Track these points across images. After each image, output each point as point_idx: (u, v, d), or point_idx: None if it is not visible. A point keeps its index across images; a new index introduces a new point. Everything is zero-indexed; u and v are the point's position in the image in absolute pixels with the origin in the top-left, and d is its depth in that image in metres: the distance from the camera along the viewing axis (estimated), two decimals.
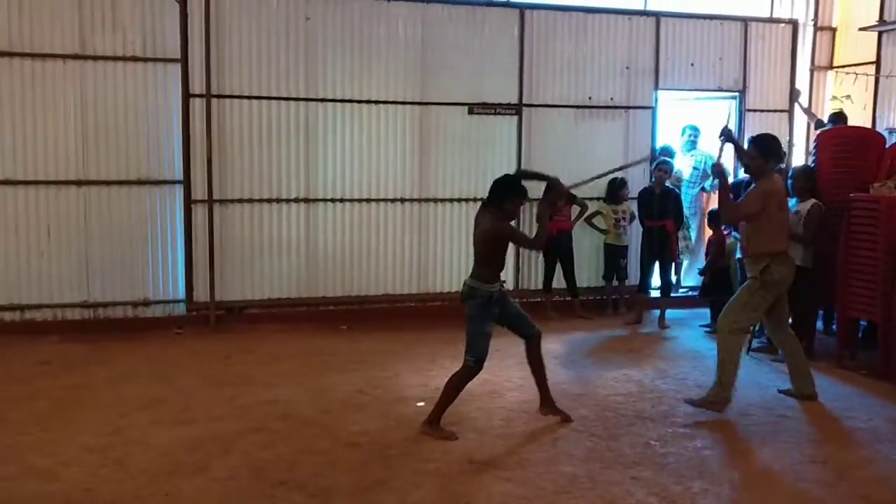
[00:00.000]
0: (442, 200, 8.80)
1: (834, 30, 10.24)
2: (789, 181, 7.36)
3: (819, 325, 7.81)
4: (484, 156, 8.86)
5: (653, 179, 8.69)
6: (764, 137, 5.87)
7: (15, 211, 7.70)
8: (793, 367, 6.02)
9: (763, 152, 5.68)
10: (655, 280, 8.75)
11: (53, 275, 7.85)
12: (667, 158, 8.83)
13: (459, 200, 8.82)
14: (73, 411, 5.54)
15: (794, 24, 9.81)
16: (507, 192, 5.11)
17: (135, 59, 7.85)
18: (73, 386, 6.15)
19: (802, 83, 10.00)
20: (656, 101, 9.41)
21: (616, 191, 8.89)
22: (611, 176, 8.23)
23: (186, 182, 8.02)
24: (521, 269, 9.07)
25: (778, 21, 9.80)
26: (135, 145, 7.93)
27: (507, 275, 8.97)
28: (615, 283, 9.10)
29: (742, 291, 5.79)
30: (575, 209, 8.88)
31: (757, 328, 7.68)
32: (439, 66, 8.65)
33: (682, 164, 9.52)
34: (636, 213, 8.85)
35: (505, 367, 6.77)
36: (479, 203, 8.62)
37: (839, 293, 6.95)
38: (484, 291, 5.11)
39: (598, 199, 9.09)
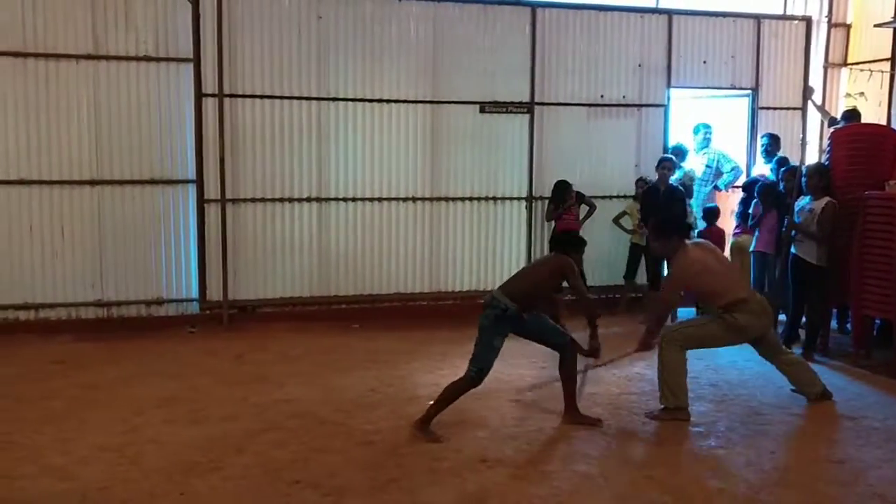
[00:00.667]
0: (453, 199, 8.79)
1: (848, 26, 10.17)
2: (803, 179, 7.33)
3: (833, 323, 7.77)
4: (495, 154, 8.86)
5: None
6: (659, 222, 5.81)
7: (29, 210, 7.74)
8: (803, 382, 5.87)
9: (661, 234, 5.64)
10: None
11: (67, 274, 7.89)
12: (668, 155, 8.79)
13: (471, 199, 8.82)
14: (87, 410, 5.56)
15: (807, 20, 9.76)
16: (574, 244, 5.44)
17: (148, 58, 7.88)
18: (88, 385, 6.17)
19: (816, 80, 9.92)
20: (669, 99, 9.37)
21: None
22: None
23: (199, 181, 8.05)
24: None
25: (791, 18, 9.75)
26: (148, 145, 7.96)
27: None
28: (637, 282, 9.04)
29: (709, 319, 5.63)
30: (583, 209, 8.85)
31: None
32: (451, 65, 8.64)
33: (695, 163, 9.48)
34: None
35: (517, 366, 6.76)
36: (491, 201, 8.83)
37: (854, 291, 6.91)
38: (502, 304, 5.08)
39: (616, 197, 9.07)
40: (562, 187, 8.58)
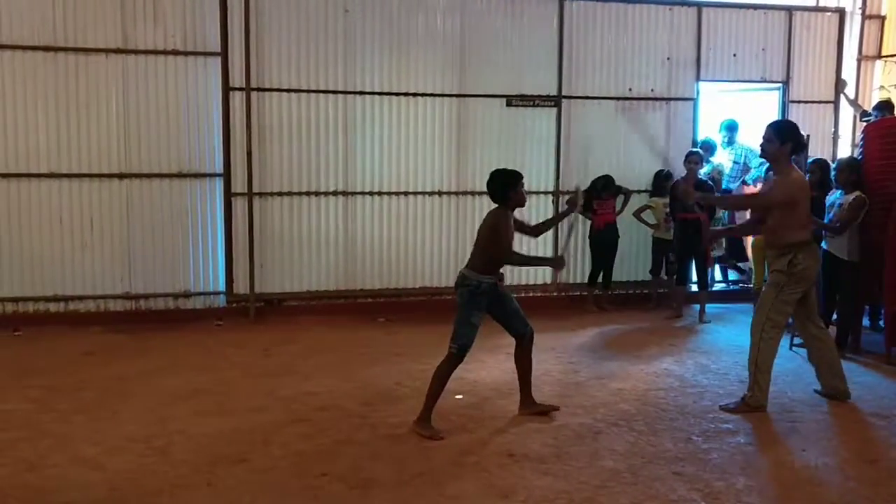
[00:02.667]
0: (480, 193, 8.72)
1: (883, 18, 10.01)
2: (833, 173, 7.23)
3: (865, 320, 7.65)
4: (522, 148, 8.83)
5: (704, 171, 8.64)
6: (782, 121, 5.67)
7: (59, 203, 7.82)
8: (824, 363, 5.73)
9: (780, 136, 5.36)
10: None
11: (96, 266, 7.97)
12: (695, 149, 8.71)
13: None
14: (117, 401, 5.61)
15: (840, 12, 9.62)
16: (502, 184, 5.16)
17: (176, 52, 7.93)
18: (117, 376, 6.23)
19: (849, 73, 9.79)
20: (698, 92, 9.28)
21: (662, 183, 8.79)
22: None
23: (226, 175, 8.09)
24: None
25: (824, 10, 9.62)
26: (176, 138, 8.01)
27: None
28: (664, 277, 8.98)
29: (769, 288, 5.51)
30: (619, 199, 8.79)
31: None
32: (478, 58, 8.61)
33: (723, 159, 9.39)
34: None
35: (542, 360, 6.73)
36: None
37: (887, 287, 6.80)
38: (473, 281, 5.04)
39: (644, 191, 9.01)
40: (601, 183, 8.59)
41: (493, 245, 5.06)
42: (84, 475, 4.37)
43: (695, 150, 8.68)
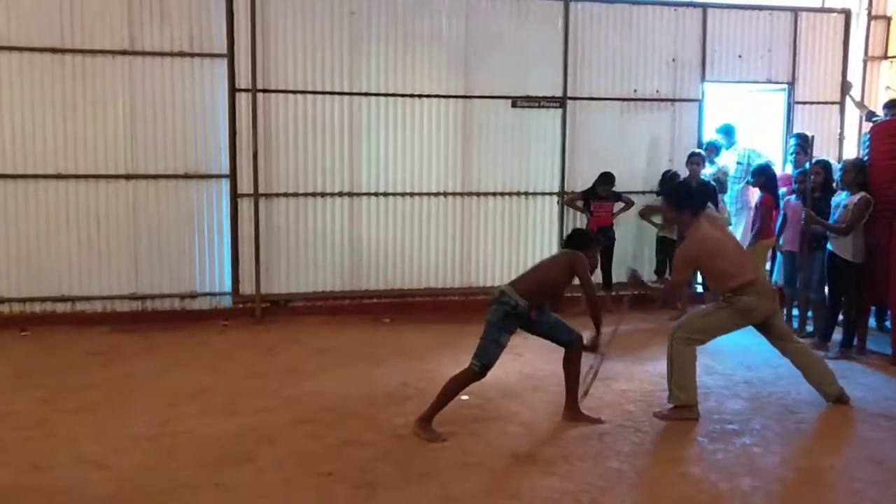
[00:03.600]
0: (485, 194, 8.78)
1: (889, 18, 9.98)
2: (839, 174, 7.22)
3: (872, 321, 7.64)
4: (527, 149, 8.84)
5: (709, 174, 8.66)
6: (674, 190, 5.73)
7: (66, 204, 7.85)
8: (812, 372, 5.63)
9: (676, 204, 5.52)
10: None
11: (103, 267, 8.00)
12: (698, 150, 8.72)
13: (503, 194, 8.80)
14: (123, 401, 5.63)
15: (846, 13, 9.59)
16: (589, 242, 5.30)
17: (182, 54, 7.95)
18: (123, 376, 6.25)
19: (855, 74, 9.77)
20: (703, 93, 9.27)
21: (669, 183, 8.78)
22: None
23: (232, 176, 8.12)
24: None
25: (830, 10, 9.59)
26: (182, 139, 8.04)
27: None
28: (668, 277, 8.95)
29: (714, 306, 5.53)
30: (618, 204, 8.80)
31: (796, 326, 7.61)
32: (483, 60, 8.62)
33: (728, 160, 9.38)
34: None
35: (548, 361, 6.72)
36: (523, 197, 8.82)
37: (892, 288, 6.78)
38: (512, 300, 4.96)
39: (650, 192, 9.00)
40: (601, 178, 8.63)
41: (586, 284, 5.17)
42: (90, 475, 4.39)
43: (697, 150, 8.68)
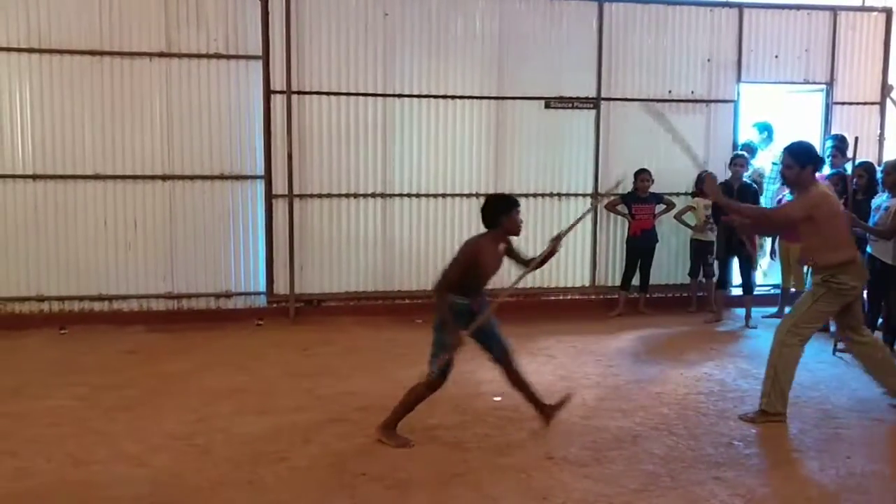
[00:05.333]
0: (518, 195, 8.65)
1: None
2: (880, 176, 7.10)
3: None
4: (561, 150, 8.80)
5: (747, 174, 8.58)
6: (799, 144, 5.48)
7: (104, 204, 7.96)
8: (878, 367, 5.51)
9: (798, 160, 5.29)
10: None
11: (140, 267, 8.09)
12: (741, 152, 8.62)
13: (535, 195, 8.77)
14: (159, 399, 5.70)
15: (887, 12, 9.41)
16: (497, 208, 4.92)
17: (218, 56, 8.03)
18: (160, 375, 6.33)
19: None
20: (738, 94, 9.17)
21: (699, 184, 8.71)
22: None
23: (267, 177, 8.18)
24: (598, 266, 8.96)
25: (870, 9, 9.42)
26: (218, 141, 8.11)
27: (584, 270, 8.92)
28: (702, 280, 8.88)
29: (806, 296, 5.39)
30: (659, 206, 8.75)
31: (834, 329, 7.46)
32: (516, 60, 8.60)
33: (763, 161, 9.27)
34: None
35: (581, 363, 6.72)
36: (556, 198, 8.79)
37: None
38: (454, 303, 4.86)
39: (684, 193, 8.93)
40: (638, 173, 8.61)
41: (452, 269, 4.87)
42: (128, 472, 4.45)
43: (740, 152, 8.59)
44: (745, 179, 8.34)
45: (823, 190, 5.31)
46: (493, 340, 5.03)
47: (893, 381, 5.51)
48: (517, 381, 5.12)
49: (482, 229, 8.67)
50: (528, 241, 8.72)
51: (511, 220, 4.91)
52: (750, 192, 8.24)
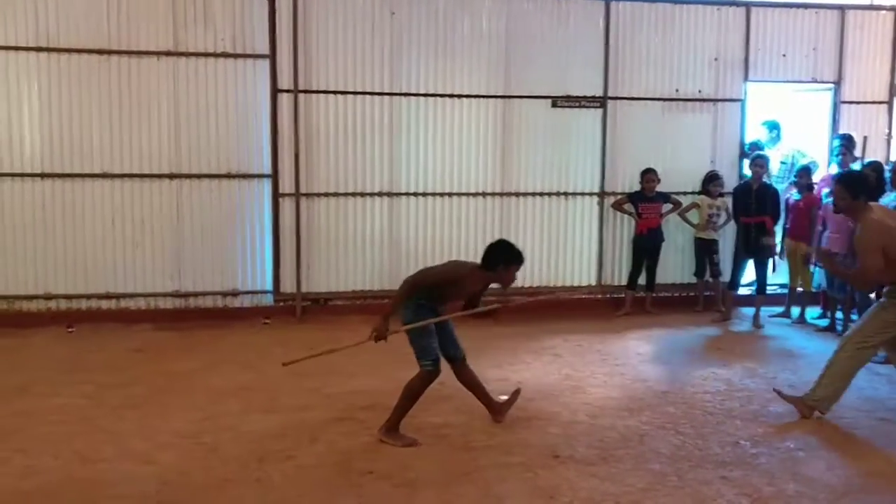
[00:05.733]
0: (524, 194, 8.75)
1: None
2: (888, 175, 7.08)
3: None
4: (567, 149, 8.79)
5: (746, 175, 8.54)
6: (850, 175, 5.51)
7: (112, 203, 7.98)
8: None
9: (851, 191, 5.24)
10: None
11: (147, 265, 8.12)
12: (763, 153, 8.61)
13: (542, 195, 8.76)
14: (166, 397, 5.72)
15: (895, 10, 9.39)
16: (501, 256, 4.93)
17: (225, 55, 8.05)
18: (167, 373, 6.35)
19: None
20: (746, 93, 9.14)
21: (706, 184, 8.71)
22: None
23: (274, 176, 8.19)
24: (604, 265, 8.95)
25: (879, 8, 9.39)
26: (225, 139, 8.13)
27: (590, 269, 8.92)
28: (709, 279, 8.87)
29: (875, 307, 5.36)
30: (666, 206, 8.74)
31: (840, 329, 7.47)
32: (523, 59, 8.60)
33: (772, 160, 9.25)
34: (731, 211, 8.62)
35: (588, 363, 6.72)
36: (563, 197, 8.78)
37: None
38: (418, 304, 4.97)
39: (692, 192, 8.91)
40: (644, 172, 8.59)
41: (432, 277, 5.01)
42: (135, 469, 4.47)
43: (762, 153, 8.57)
44: (765, 181, 8.32)
45: (877, 216, 5.22)
46: (449, 341, 5.13)
47: None
48: (468, 381, 5.24)
49: (489, 228, 8.79)
50: (534, 241, 8.77)
51: (508, 273, 4.94)
52: (769, 194, 8.25)
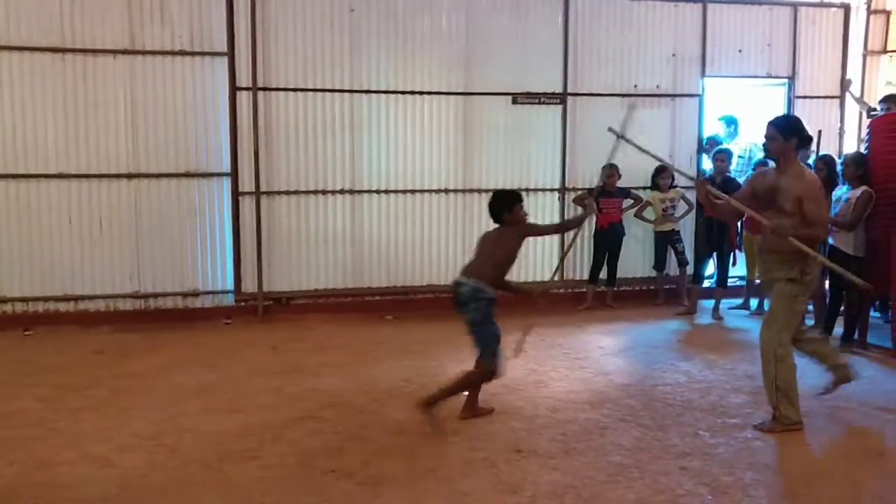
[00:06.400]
0: (486, 191, 8.72)
1: (888, 13, 9.95)
2: (840, 168, 7.23)
3: (876, 314, 7.65)
4: (528, 146, 8.85)
5: (707, 169, 8.66)
6: (784, 117, 5.30)
7: (68, 204, 7.86)
8: (820, 354, 5.40)
9: (783, 132, 5.00)
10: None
11: (106, 266, 8.01)
12: (726, 147, 8.73)
13: None
14: (126, 399, 5.65)
15: (845, 7, 9.59)
16: (502, 204, 5.18)
17: (183, 53, 7.96)
18: (127, 375, 6.27)
19: (855, 68, 9.77)
20: (703, 88, 9.27)
21: (654, 178, 8.83)
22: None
23: (234, 174, 8.13)
24: (565, 260, 9.02)
25: (829, 5, 9.59)
26: (183, 138, 8.05)
27: (552, 265, 8.98)
28: (669, 272, 8.98)
29: (780, 300, 5.02)
30: (628, 200, 8.83)
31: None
32: (483, 56, 8.63)
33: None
34: (692, 201, 8.73)
35: (550, 357, 6.78)
36: (524, 193, 8.77)
37: (894, 282, 6.79)
38: (490, 293, 5.04)
39: (645, 188, 9.02)
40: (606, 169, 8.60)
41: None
42: (95, 472, 4.41)
43: (724, 147, 8.70)
44: (729, 175, 8.44)
45: (813, 173, 5.17)
46: (487, 339, 5.15)
47: (833, 364, 5.45)
48: (466, 377, 5.27)
49: (451, 224, 8.82)
50: None
51: (515, 214, 5.17)
52: (732, 188, 8.33)
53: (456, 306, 5.12)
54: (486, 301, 5.02)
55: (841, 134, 9.64)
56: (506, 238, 5.19)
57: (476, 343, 5.08)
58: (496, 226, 5.28)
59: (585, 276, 9.00)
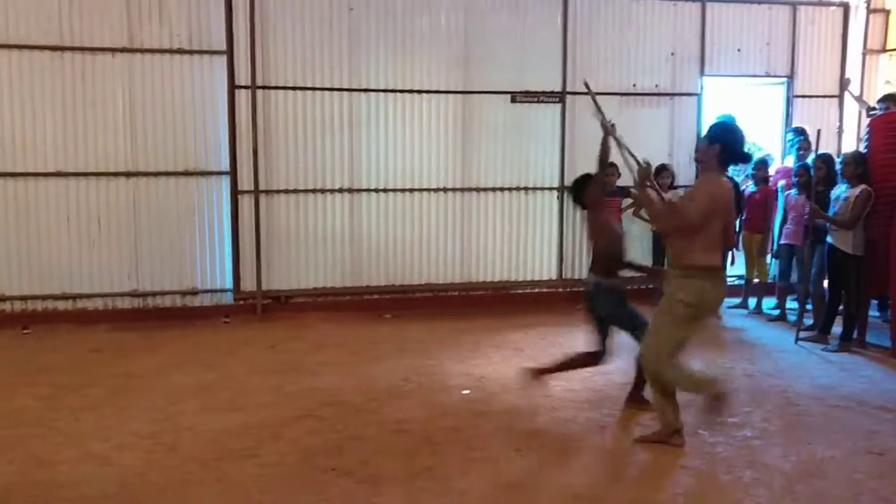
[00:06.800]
0: (485, 189, 8.78)
1: (887, 12, 9.96)
2: (839, 167, 7.23)
3: (875, 313, 7.65)
4: (527, 144, 8.84)
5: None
6: (720, 121, 5.26)
7: (67, 202, 7.86)
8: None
9: (709, 135, 4.71)
10: None
11: (104, 265, 8.00)
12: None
13: (502, 189, 8.81)
14: (125, 398, 5.65)
15: (845, 6, 9.60)
16: (573, 192, 5.40)
17: (181, 51, 7.95)
18: (125, 373, 6.27)
19: (854, 67, 9.77)
20: (702, 87, 9.27)
21: (654, 177, 8.78)
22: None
23: (233, 173, 8.12)
24: (564, 259, 9.02)
25: (829, 4, 9.59)
26: (182, 137, 8.04)
27: (551, 263, 8.98)
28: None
29: (666, 316, 4.63)
30: (626, 200, 8.81)
31: (795, 319, 7.58)
32: (482, 55, 8.62)
33: None
34: None
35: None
36: (523, 192, 8.83)
37: (893, 281, 6.79)
38: (607, 284, 5.21)
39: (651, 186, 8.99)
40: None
41: (608, 246, 5.22)
42: (94, 471, 4.40)
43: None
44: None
45: (721, 185, 4.61)
46: (624, 320, 5.35)
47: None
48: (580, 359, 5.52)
49: (450, 223, 8.83)
50: (495, 236, 8.82)
51: (594, 192, 5.25)
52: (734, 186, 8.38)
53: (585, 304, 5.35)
54: (608, 292, 5.19)
55: (840, 133, 9.64)
56: (589, 225, 5.33)
57: (623, 329, 5.25)
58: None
59: (584, 276, 8.97)
